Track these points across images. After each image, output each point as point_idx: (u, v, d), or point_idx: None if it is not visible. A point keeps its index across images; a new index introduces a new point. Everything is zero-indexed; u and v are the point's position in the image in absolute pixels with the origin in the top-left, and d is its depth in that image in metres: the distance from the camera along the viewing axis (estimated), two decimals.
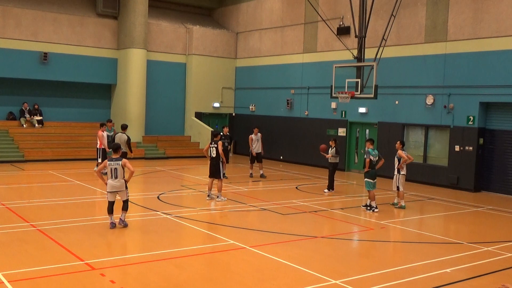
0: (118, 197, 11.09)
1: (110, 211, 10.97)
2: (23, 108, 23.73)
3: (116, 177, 10.83)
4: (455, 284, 8.22)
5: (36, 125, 23.72)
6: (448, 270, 8.88)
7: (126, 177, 11.01)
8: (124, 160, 10.90)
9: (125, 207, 11.02)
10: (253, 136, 19.66)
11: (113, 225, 10.92)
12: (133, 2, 24.91)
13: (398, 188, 14.53)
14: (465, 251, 10.22)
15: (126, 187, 11.02)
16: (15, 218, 11.60)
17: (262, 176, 19.55)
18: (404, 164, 14.51)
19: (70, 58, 24.47)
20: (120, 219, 11.04)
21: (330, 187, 16.65)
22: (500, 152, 17.83)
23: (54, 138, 23.51)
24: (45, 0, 24.53)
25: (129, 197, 11.32)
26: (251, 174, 19.78)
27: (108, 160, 10.96)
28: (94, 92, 26.12)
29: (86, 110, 25.93)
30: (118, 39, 25.72)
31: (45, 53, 23.61)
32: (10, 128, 23.05)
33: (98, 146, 18.22)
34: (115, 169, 10.81)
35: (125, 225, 11.06)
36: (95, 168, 18.05)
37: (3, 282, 7.47)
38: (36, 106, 24.00)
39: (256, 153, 19.58)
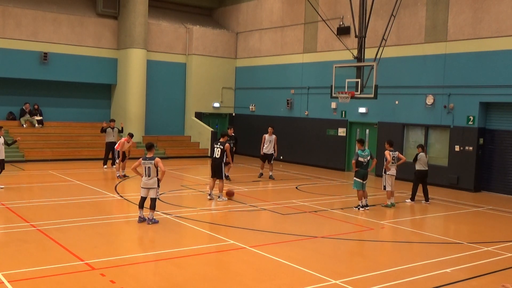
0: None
1: (141, 206, 11.66)
2: (24, 108, 23.72)
3: (149, 175, 11.45)
4: (455, 284, 8.22)
5: (36, 125, 23.72)
6: (448, 270, 8.88)
7: (159, 176, 11.53)
8: (157, 159, 11.43)
9: (152, 206, 11.49)
10: (266, 136, 19.25)
11: (140, 219, 11.55)
12: (133, 2, 24.91)
13: (384, 187, 14.69)
14: (465, 251, 10.22)
15: (158, 186, 11.56)
16: (15, 218, 11.60)
17: (270, 177, 19.26)
18: (391, 164, 14.56)
19: (70, 58, 24.47)
20: (148, 218, 11.45)
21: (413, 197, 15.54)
22: (500, 152, 17.83)
23: (54, 138, 23.51)
24: (45, 0, 24.54)
25: (158, 196, 11.79)
26: (260, 174, 19.42)
27: (142, 159, 11.56)
28: (94, 92, 26.11)
29: (86, 110, 25.93)
30: (118, 39, 25.72)
31: (45, 53, 23.61)
32: (10, 128, 22.99)
33: (115, 148, 18.99)
34: (149, 167, 11.43)
35: (155, 222, 11.42)
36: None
37: (3, 282, 7.47)
38: (36, 106, 24.00)
39: (267, 154, 19.15)
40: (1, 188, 15.06)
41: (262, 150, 19.26)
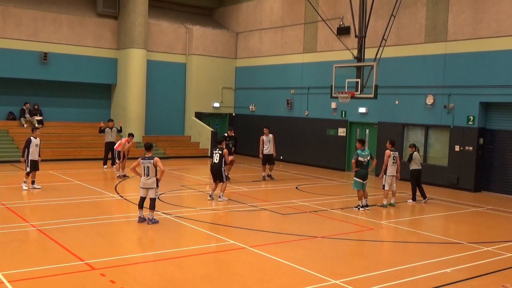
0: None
1: (140, 206, 11.65)
2: (24, 108, 23.72)
3: (148, 175, 11.43)
4: (455, 284, 8.22)
5: (36, 125, 23.68)
6: (448, 270, 8.88)
7: (158, 175, 11.48)
8: (155, 159, 11.40)
9: (152, 206, 11.49)
10: (264, 137, 19.18)
11: (140, 220, 11.57)
12: (133, 2, 24.92)
13: (383, 186, 14.75)
14: (465, 251, 10.22)
15: (157, 186, 11.55)
16: (15, 218, 11.60)
17: (269, 176, 19.24)
18: (392, 165, 14.61)
19: (70, 58, 24.48)
20: (148, 218, 11.46)
21: (414, 197, 15.52)
22: (500, 152, 17.83)
23: (54, 138, 23.50)
24: (45, 0, 24.54)
25: (157, 196, 11.84)
26: (264, 177, 19.12)
27: (141, 159, 11.50)
28: (94, 92, 26.12)
29: (86, 110, 25.94)
30: (118, 39, 25.73)
31: (45, 53, 23.61)
32: (10, 128, 23.06)
33: (115, 148, 19.07)
34: (147, 167, 11.39)
35: (155, 222, 11.44)
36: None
37: (3, 282, 7.47)
38: (36, 106, 24.00)
39: (268, 155, 19.03)
40: (39, 188, 15.37)
41: (261, 153, 19.17)
